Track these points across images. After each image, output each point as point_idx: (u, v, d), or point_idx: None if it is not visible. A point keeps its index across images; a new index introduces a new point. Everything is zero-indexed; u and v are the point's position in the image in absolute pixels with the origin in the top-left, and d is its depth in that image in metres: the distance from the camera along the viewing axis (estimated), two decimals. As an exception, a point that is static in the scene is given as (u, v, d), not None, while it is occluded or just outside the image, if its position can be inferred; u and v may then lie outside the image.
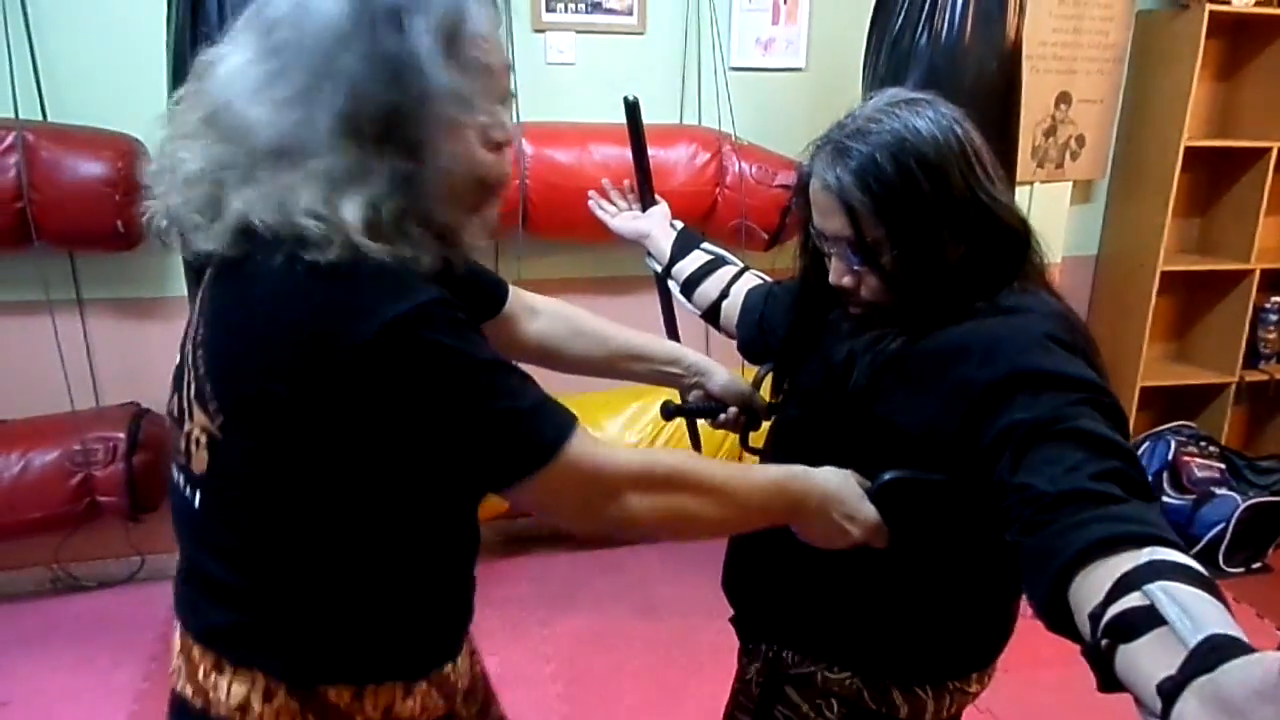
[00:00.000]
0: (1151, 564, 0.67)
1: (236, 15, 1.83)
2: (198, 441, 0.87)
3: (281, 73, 0.80)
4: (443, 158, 0.83)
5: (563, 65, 2.69)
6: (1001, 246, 0.99)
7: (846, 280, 1.01)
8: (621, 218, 1.59)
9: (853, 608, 1.08)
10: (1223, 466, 3.16)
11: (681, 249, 1.49)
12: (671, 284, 1.51)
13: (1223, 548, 2.99)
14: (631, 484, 0.90)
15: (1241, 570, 3.04)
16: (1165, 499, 3.10)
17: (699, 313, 1.48)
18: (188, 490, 0.90)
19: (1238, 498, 3.02)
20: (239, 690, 0.90)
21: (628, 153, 2.61)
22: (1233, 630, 0.61)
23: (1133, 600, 0.65)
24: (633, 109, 1.56)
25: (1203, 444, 3.22)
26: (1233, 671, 0.56)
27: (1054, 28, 2.91)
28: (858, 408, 1.01)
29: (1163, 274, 3.11)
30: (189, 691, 0.93)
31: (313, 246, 0.78)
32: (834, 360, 1.06)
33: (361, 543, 0.89)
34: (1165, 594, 0.64)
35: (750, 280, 1.42)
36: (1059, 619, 0.74)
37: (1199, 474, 3.11)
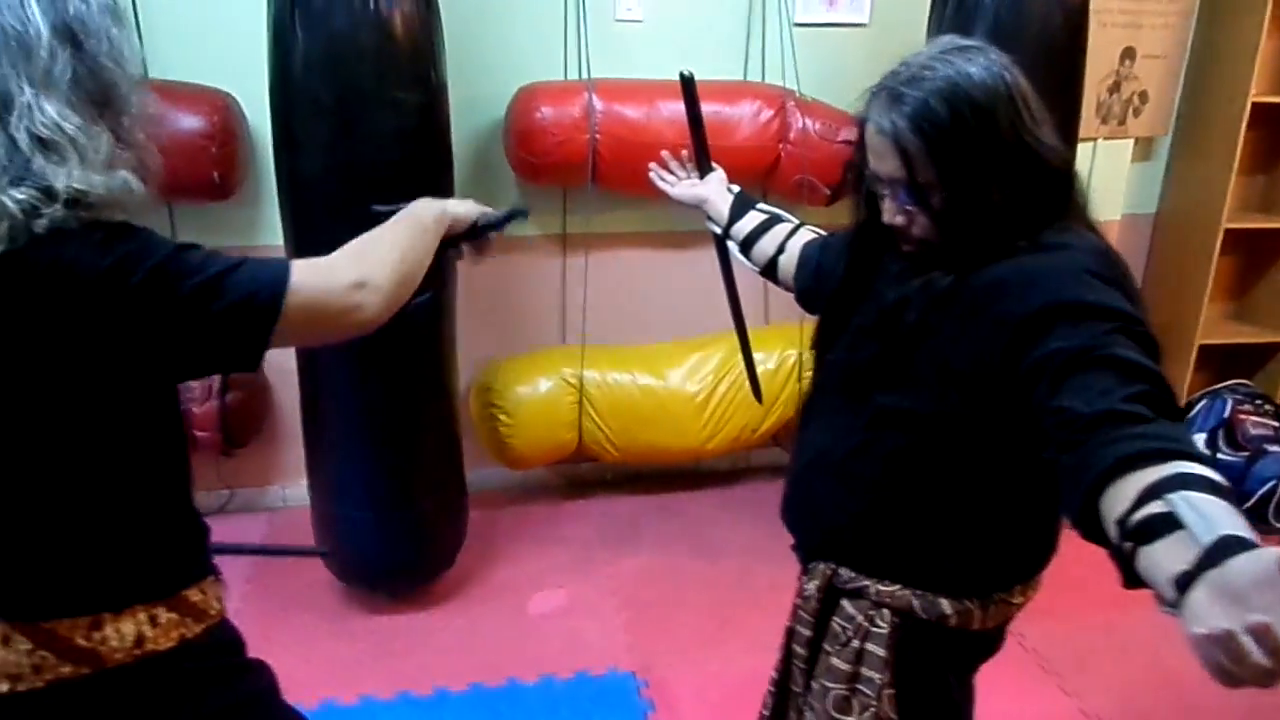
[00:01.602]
0: (1175, 476, 0.75)
1: None
2: None
3: None
4: None
5: (631, 23, 2.76)
6: (1045, 187, 1.06)
7: (899, 219, 1.09)
8: (681, 186, 1.68)
9: (902, 526, 1.17)
10: (1277, 425, 3.18)
11: (739, 210, 1.58)
12: (730, 244, 1.60)
13: (1273, 503, 3.02)
14: (356, 288, 1.00)
15: (1293, 526, 3.07)
16: (1219, 456, 3.13)
17: (758, 269, 1.56)
18: None
19: (1291, 455, 3.04)
20: None
21: (695, 108, 2.71)
22: (1243, 532, 0.69)
23: (1155, 507, 0.74)
24: (688, 83, 1.64)
25: (1258, 402, 3.24)
26: (1238, 563, 0.66)
27: (1121, -18, 2.89)
28: (910, 345, 1.09)
29: (1225, 232, 3.10)
30: None
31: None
32: (886, 301, 1.14)
33: (90, 466, 0.93)
34: (1184, 501, 0.72)
35: (805, 235, 1.50)
36: (1091, 527, 0.82)
37: (1253, 431, 3.14)
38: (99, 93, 0.89)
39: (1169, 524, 0.72)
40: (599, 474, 3.17)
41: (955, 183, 1.04)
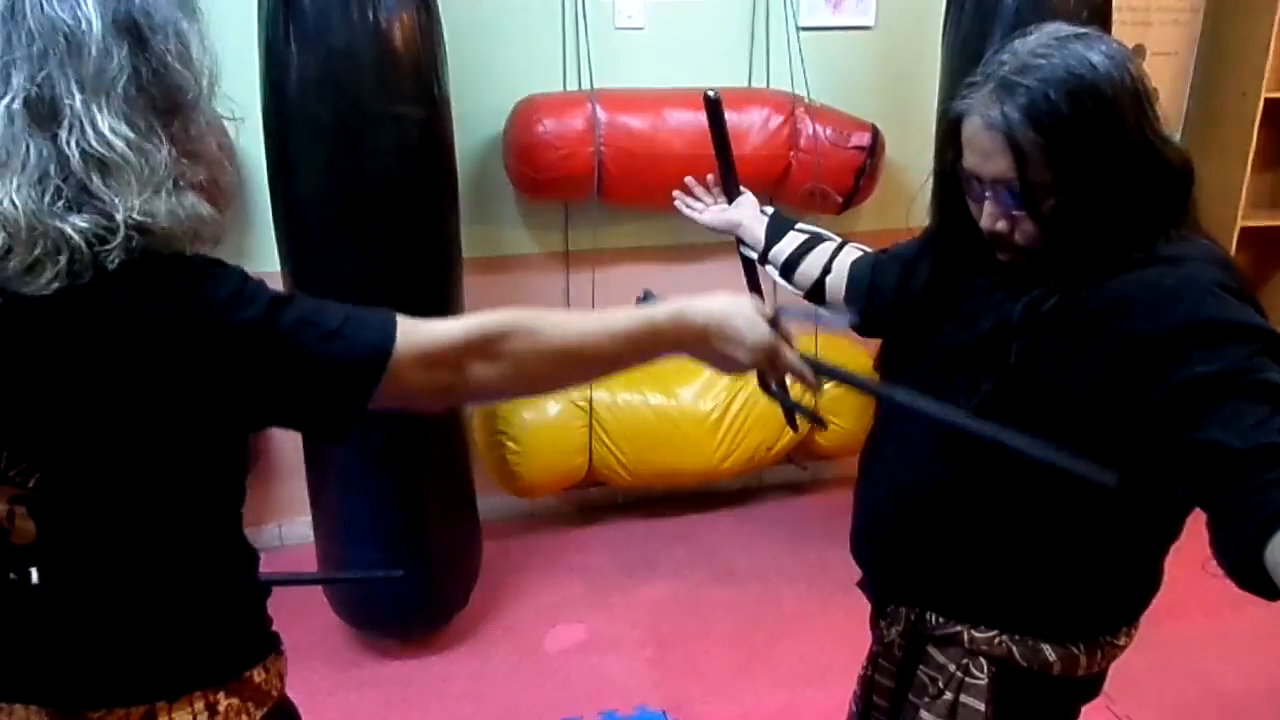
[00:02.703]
0: None
1: (330, 4, 1.80)
2: (10, 518, 0.80)
3: None
4: None
5: (632, 30, 2.66)
6: (1167, 191, 0.96)
7: (1000, 225, 0.98)
8: (710, 212, 1.58)
9: (999, 565, 1.07)
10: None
11: (776, 232, 1.47)
12: (770, 269, 1.49)
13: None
14: (467, 352, 0.86)
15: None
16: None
17: (802, 293, 1.45)
18: (12, 574, 0.82)
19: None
20: None
21: (702, 117, 2.59)
22: None
23: None
24: (714, 105, 1.54)
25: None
26: None
27: (1130, -21, 2.84)
28: (1014, 374, 0.98)
29: (1241, 230, 3.05)
30: None
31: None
32: (978, 323, 1.04)
33: (155, 528, 0.84)
34: None
35: (852, 253, 1.39)
36: (1253, 576, 0.73)
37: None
38: (164, 99, 0.76)
39: None
40: (610, 498, 3.05)
41: (1073, 185, 0.93)
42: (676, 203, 1.63)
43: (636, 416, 2.76)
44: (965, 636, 1.09)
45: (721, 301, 0.97)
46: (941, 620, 1.12)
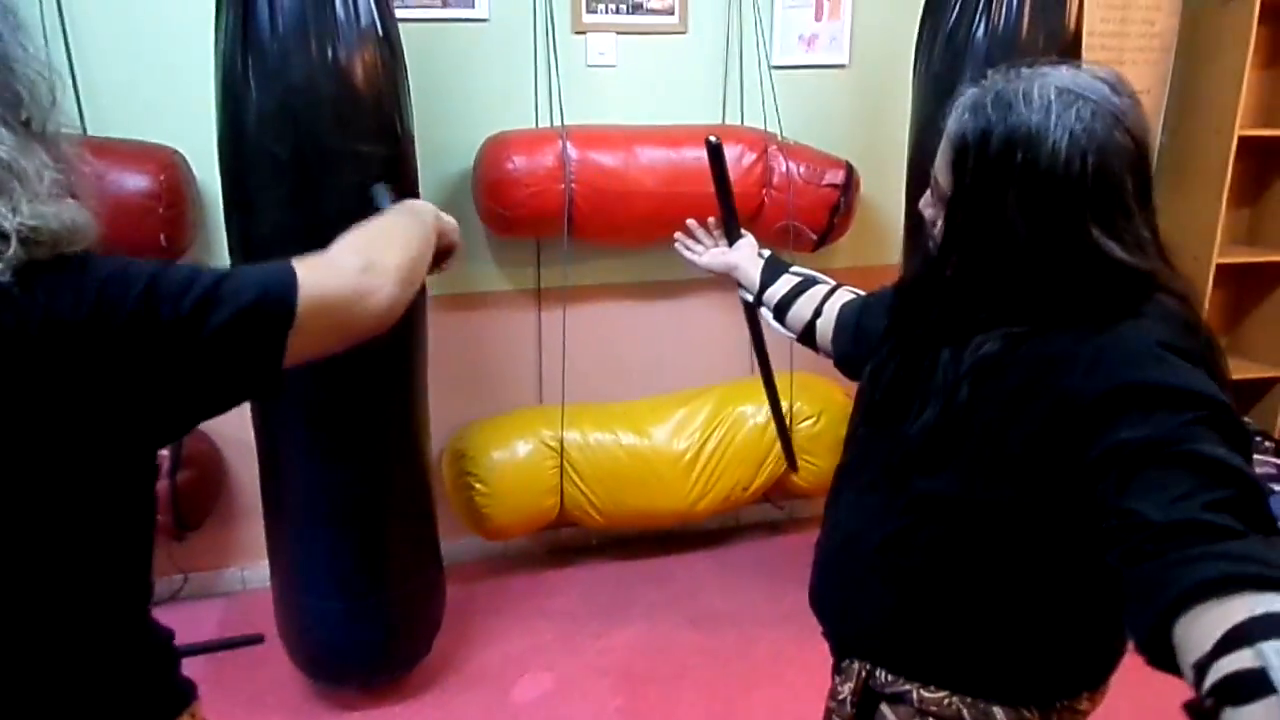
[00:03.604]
0: (1268, 616, 0.62)
1: (289, 20, 1.79)
2: None
3: None
4: None
5: (604, 67, 2.64)
6: (1108, 287, 0.89)
7: (927, 211, 1.02)
8: (709, 254, 1.61)
9: (948, 622, 1.03)
10: (1278, 462, 3.10)
11: (770, 275, 1.49)
12: (764, 311, 1.50)
13: None
14: (364, 271, 0.90)
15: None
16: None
17: (794, 336, 1.45)
18: None
19: (1297, 494, 2.95)
20: None
21: (673, 154, 2.60)
22: None
23: (1244, 660, 0.60)
24: (715, 150, 1.58)
25: (1257, 439, 3.16)
26: None
27: (1101, 17, 2.85)
28: (957, 423, 0.95)
29: (1216, 267, 3.04)
30: None
31: None
32: (924, 368, 1.01)
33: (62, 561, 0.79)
34: None
35: (843, 296, 1.39)
36: (1160, 655, 0.69)
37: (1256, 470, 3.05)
38: (17, 104, 0.74)
39: (1263, 686, 0.58)
40: (583, 540, 2.99)
41: (975, 227, 0.94)
42: (677, 245, 1.65)
43: (609, 456, 2.71)
44: (915, 695, 1.05)
45: (426, 204, 1.22)
46: (891, 678, 1.07)
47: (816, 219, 2.66)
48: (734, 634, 2.57)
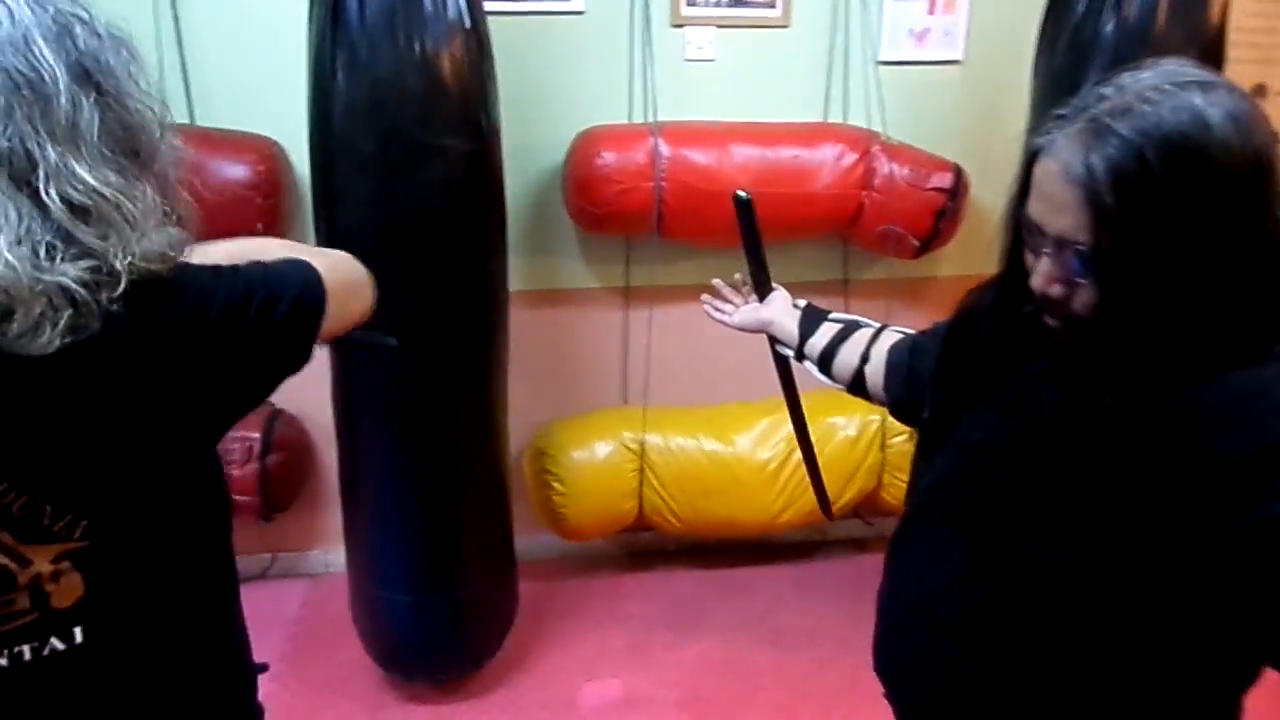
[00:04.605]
0: None
1: (377, 12, 1.79)
2: (54, 577, 0.77)
3: None
4: None
5: (701, 62, 2.56)
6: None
7: (1055, 290, 0.82)
8: (741, 313, 1.50)
9: (1039, 705, 0.91)
10: None
11: (809, 325, 1.37)
12: (808, 364, 1.38)
13: None
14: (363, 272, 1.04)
15: None
16: None
17: (844, 387, 1.33)
18: (55, 640, 0.78)
19: None
20: None
21: (768, 153, 2.50)
22: None
23: None
24: (744, 205, 1.47)
25: None
26: None
27: (1251, 12, 2.59)
28: (1066, 482, 0.83)
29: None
30: None
31: None
32: (1019, 411, 0.89)
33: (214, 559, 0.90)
34: None
35: (890, 337, 1.26)
36: None
37: None
38: (128, 140, 0.75)
39: None
40: (660, 545, 2.93)
41: (1154, 267, 0.76)
42: (705, 307, 1.55)
43: (690, 461, 2.64)
44: None
45: None
46: None
47: (920, 224, 2.51)
48: (808, 656, 2.46)
